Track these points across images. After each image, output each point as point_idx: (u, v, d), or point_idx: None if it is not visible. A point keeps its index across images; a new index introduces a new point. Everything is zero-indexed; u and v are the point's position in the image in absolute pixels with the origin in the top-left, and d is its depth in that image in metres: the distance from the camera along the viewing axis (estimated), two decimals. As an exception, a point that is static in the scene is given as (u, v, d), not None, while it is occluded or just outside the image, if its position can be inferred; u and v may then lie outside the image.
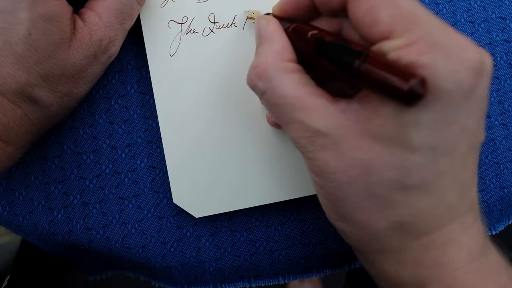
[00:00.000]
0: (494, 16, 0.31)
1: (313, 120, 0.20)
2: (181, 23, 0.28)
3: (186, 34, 0.28)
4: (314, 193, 0.28)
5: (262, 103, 0.23)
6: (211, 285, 0.31)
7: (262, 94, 0.22)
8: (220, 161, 0.28)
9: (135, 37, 0.29)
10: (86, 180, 0.29)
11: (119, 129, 0.29)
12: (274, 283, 0.31)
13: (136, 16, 0.26)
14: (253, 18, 0.26)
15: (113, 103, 0.29)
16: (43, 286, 0.40)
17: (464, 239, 0.20)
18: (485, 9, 0.31)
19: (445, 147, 0.19)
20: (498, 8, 0.31)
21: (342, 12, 0.21)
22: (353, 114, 0.20)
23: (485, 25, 0.31)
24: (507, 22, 0.31)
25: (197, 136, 0.28)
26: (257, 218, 0.30)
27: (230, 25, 0.28)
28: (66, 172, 0.29)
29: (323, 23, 0.23)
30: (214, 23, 0.28)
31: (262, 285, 0.31)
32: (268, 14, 0.25)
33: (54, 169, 0.29)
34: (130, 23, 0.26)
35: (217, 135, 0.28)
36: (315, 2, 0.22)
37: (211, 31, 0.28)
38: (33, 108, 0.24)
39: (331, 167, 0.20)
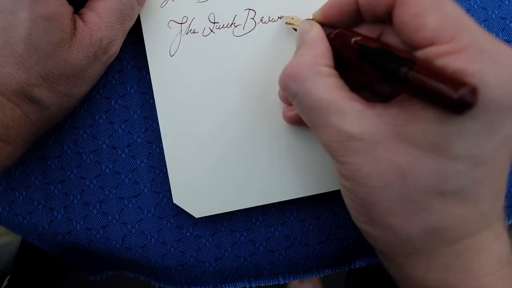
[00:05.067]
0: (494, 16, 0.31)
1: (347, 124, 0.20)
2: (181, 23, 0.28)
3: (186, 34, 0.28)
4: (314, 193, 0.28)
5: (294, 104, 0.23)
6: (211, 285, 0.31)
7: (294, 96, 0.22)
8: (220, 161, 0.28)
9: (135, 37, 0.29)
10: (86, 180, 0.29)
11: (119, 129, 0.29)
12: (274, 283, 0.31)
13: (136, 16, 0.26)
14: (291, 24, 0.26)
15: (113, 103, 0.29)
16: (43, 286, 0.40)
17: (495, 247, 0.21)
18: (485, 9, 0.31)
19: (486, 156, 0.19)
20: (498, 8, 0.31)
21: (385, 17, 0.21)
22: (389, 118, 0.20)
23: (485, 25, 0.31)
24: (507, 22, 0.31)
25: (197, 136, 0.28)
26: (257, 218, 0.30)
27: (230, 25, 0.28)
28: (66, 172, 0.29)
29: (364, 30, 0.23)
30: (214, 23, 0.28)
31: (262, 285, 0.31)
32: (308, 19, 0.25)
33: (54, 169, 0.29)
34: (130, 23, 0.26)
35: (217, 135, 0.28)
36: (360, 7, 0.22)
37: (211, 31, 0.28)
38: (33, 108, 0.24)
39: (364, 172, 0.20)
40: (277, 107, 0.28)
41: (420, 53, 0.19)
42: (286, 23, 0.27)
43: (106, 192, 0.29)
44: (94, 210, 0.29)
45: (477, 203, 0.20)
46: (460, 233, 0.20)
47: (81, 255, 0.31)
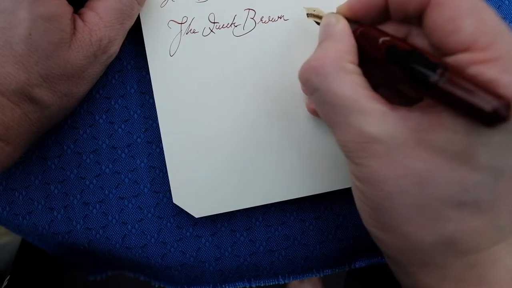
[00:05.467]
0: (494, 16, 0.31)
1: (369, 125, 0.19)
2: (181, 23, 0.28)
3: (186, 34, 0.28)
4: (314, 193, 0.28)
5: (312, 99, 0.22)
6: (211, 285, 0.31)
7: (314, 90, 0.21)
8: (220, 161, 0.28)
9: (135, 37, 0.29)
10: (86, 180, 0.29)
11: (119, 129, 0.29)
12: (274, 283, 0.31)
13: (136, 16, 0.26)
14: (313, 16, 0.25)
15: (113, 103, 0.29)
16: (43, 286, 0.40)
17: (509, 260, 0.20)
18: (485, 9, 0.31)
19: (509, 169, 0.19)
20: (498, 8, 0.31)
21: (414, 18, 0.21)
22: (413, 122, 0.19)
23: (485, 25, 0.31)
24: (507, 22, 0.31)
25: (197, 136, 0.28)
26: (257, 218, 0.30)
27: (230, 25, 0.28)
28: (66, 172, 0.29)
29: (390, 29, 0.23)
30: (214, 23, 0.28)
31: (262, 285, 0.31)
32: (333, 13, 0.24)
33: (54, 169, 0.29)
34: (130, 23, 0.26)
35: (217, 135, 0.28)
36: (389, 5, 0.22)
37: (211, 31, 0.28)
38: (33, 108, 0.24)
39: (382, 175, 0.19)
40: (277, 107, 0.28)
41: (451, 59, 0.19)
42: (307, 14, 0.26)
43: (106, 192, 0.29)
44: (94, 210, 0.29)
45: (495, 216, 0.19)
46: (475, 245, 0.20)
47: (81, 255, 0.31)
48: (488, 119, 0.17)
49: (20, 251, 0.38)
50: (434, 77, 0.18)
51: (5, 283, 0.35)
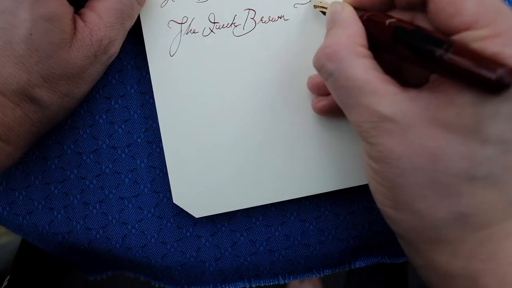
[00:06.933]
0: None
1: (382, 105, 0.20)
2: (181, 23, 0.28)
3: (186, 34, 0.28)
4: (314, 193, 0.28)
5: (327, 85, 0.23)
6: (211, 285, 0.31)
7: (329, 75, 0.22)
8: (221, 161, 0.28)
9: (135, 37, 0.29)
10: (86, 180, 0.29)
11: (119, 129, 0.29)
12: (274, 283, 0.31)
13: (136, 16, 0.26)
14: (320, 7, 0.26)
15: (113, 103, 0.29)
16: (43, 286, 0.40)
17: None
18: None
19: None
20: (498, 8, 0.31)
21: (418, 4, 0.22)
22: (423, 102, 0.20)
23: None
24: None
25: (197, 136, 0.28)
26: (257, 218, 0.30)
27: (230, 25, 0.28)
28: (66, 172, 0.29)
29: (395, 15, 0.23)
30: (214, 23, 0.28)
31: (262, 285, 0.31)
32: (338, 1, 0.25)
33: (54, 169, 0.29)
34: (130, 23, 0.26)
35: (217, 135, 0.28)
36: None
37: (211, 31, 0.28)
38: (33, 108, 0.24)
39: (396, 153, 0.20)
40: (277, 107, 0.28)
41: (455, 37, 0.19)
42: (314, 6, 0.27)
43: (106, 192, 0.29)
44: (94, 210, 0.29)
45: (506, 190, 0.20)
46: (487, 220, 0.20)
47: (81, 255, 0.31)
48: (493, 87, 0.18)
49: (20, 251, 0.38)
50: (440, 51, 0.19)
51: (5, 283, 0.35)
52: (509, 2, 0.31)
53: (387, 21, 0.21)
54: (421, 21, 0.22)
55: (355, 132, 0.22)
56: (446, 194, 0.20)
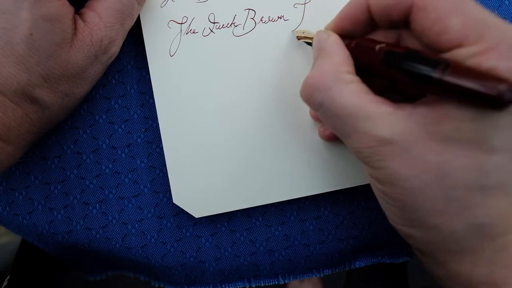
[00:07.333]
0: (493, 16, 0.31)
1: (378, 128, 0.20)
2: (181, 23, 0.28)
3: (186, 34, 0.28)
4: (314, 193, 0.28)
5: (319, 115, 0.23)
6: (211, 285, 0.31)
7: (319, 105, 0.22)
8: (220, 161, 0.28)
9: (135, 37, 0.29)
10: (86, 180, 0.29)
11: (119, 129, 0.29)
12: (274, 283, 0.31)
13: (136, 16, 0.26)
14: (303, 37, 0.26)
15: (113, 103, 0.29)
16: (43, 286, 0.40)
17: None
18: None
19: None
20: (498, 8, 0.31)
21: (401, 23, 0.21)
22: (420, 117, 0.19)
23: (485, 25, 0.31)
24: (508, 22, 0.31)
25: (197, 136, 0.28)
26: (257, 218, 0.30)
27: (230, 25, 0.28)
28: (66, 172, 0.29)
29: (380, 35, 0.23)
30: (214, 23, 0.28)
31: (262, 285, 0.31)
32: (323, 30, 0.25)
33: (54, 169, 0.29)
34: (130, 23, 0.26)
35: (217, 135, 0.28)
36: (373, 16, 0.22)
37: (211, 31, 0.28)
38: (33, 108, 0.24)
39: (402, 175, 0.20)
40: (277, 107, 0.28)
41: (447, 55, 0.19)
42: (297, 37, 0.27)
43: (106, 192, 0.29)
44: (94, 210, 0.29)
45: None
46: (504, 227, 0.20)
47: (81, 255, 0.31)
48: (495, 103, 0.17)
49: (20, 251, 0.38)
50: (436, 73, 0.18)
51: (5, 283, 0.35)
52: (509, 1, 0.31)
53: (377, 47, 0.21)
54: (407, 38, 0.22)
55: (356, 157, 0.22)
56: (461, 207, 0.20)
